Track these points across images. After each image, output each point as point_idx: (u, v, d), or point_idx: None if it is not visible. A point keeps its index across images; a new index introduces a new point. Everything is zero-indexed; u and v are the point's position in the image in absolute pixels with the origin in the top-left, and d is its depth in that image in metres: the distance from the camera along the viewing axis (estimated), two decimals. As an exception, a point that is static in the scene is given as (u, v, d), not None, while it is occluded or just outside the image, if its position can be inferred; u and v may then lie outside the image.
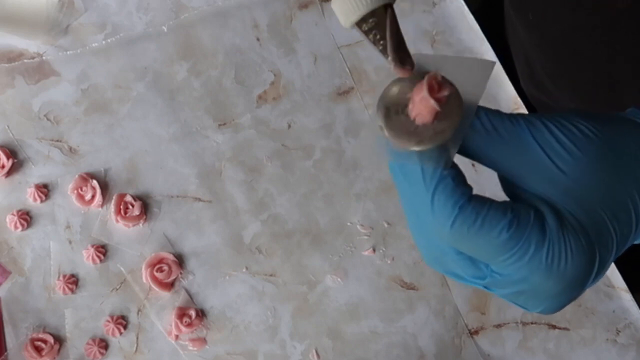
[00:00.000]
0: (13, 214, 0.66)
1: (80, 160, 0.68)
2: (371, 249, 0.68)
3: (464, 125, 0.34)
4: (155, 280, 0.65)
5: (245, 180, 0.69)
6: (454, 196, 0.33)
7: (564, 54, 0.57)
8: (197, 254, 0.67)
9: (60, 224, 0.67)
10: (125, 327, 0.65)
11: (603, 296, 0.68)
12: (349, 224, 0.68)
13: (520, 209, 0.34)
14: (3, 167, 0.66)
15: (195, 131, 0.70)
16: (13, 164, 0.67)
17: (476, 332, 0.67)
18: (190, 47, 0.72)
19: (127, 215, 0.66)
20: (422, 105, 0.33)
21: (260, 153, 0.70)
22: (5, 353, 0.63)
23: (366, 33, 0.34)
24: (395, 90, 0.35)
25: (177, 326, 0.64)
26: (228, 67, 0.71)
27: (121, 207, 0.67)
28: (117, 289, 0.66)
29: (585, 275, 0.34)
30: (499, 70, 0.72)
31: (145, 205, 0.67)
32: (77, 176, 0.67)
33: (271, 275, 0.67)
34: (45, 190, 0.67)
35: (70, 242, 0.66)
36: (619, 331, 0.67)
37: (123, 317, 0.65)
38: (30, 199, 0.66)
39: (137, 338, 0.65)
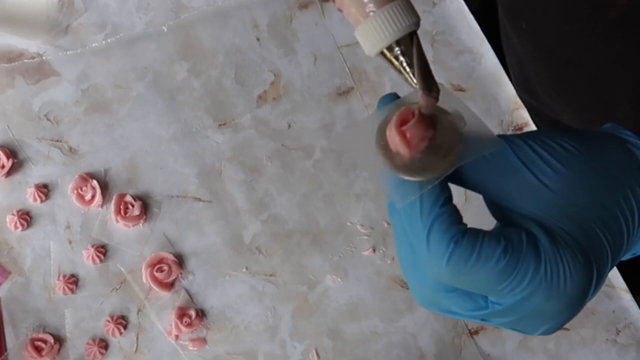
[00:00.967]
0: (13, 214, 0.66)
1: (80, 160, 0.68)
2: (371, 249, 0.68)
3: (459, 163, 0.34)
4: (155, 280, 0.65)
5: (245, 180, 0.69)
6: (449, 233, 0.33)
7: (557, 63, 0.58)
8: (197, 254, 0.67)
9: (60, 224, 0.67)
10: (125, 327, 0.65)
11: (603, 296, 0.68)
12: (349, 224, 0.68)
13: (512, 234, 0.34)
14: (3, 167, 0.66)
15: (195, 131, 0.70)
16: (13, 164, 0.67)
17: (476, 332, 0.67)
18: (190, 47, 0.72)
19: (127, 215, 0.66)
20: (414, 137, 0.33)
21: (260, 153, 0.70)
22: (5, 353, 0.63)
23: (391, 61, 0.34)
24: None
25: (177, 326, 0.64)
26: (228, 67, 0.71)
27: (121, 207, 0.67)
28: (117, 289, 0.66)
29: (585, 291, 0.34)
30: (499, 70, 0.72)
31: (145, 205, 0.67)
32: (77, 176, 0.67)
33: (271, 275, 0.67)
34: (45, 190, 0.67)
35: (70, 242, 0.66)
36: (619, 331, 0.67)
37: (123, 317, 0.65)
38: (30, 199, 0.66)
39: (137, 338, 0.65)
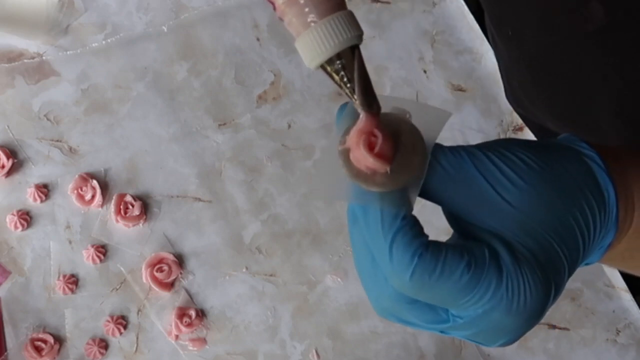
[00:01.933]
0: (13, 214, 0.66)
1: (80, 160, 0.68)
2: (371, 249, 0.68)
3: (421, 171, 0.34)
4: (155, 280, 0.65)
5: (245, 180, 0.69)
6: (412, 245, 0.33)
7: (539, 71, 0.58)
8: (197, 254, 0.67)
9: (60, 224, 0.67)
10: (125, 327, 0.65)
11: (603, 296, 0.68)
12: (349, 224, 0.68)
13: (474, 248, 0.34)
14: (3, 167, 0.66)
15: (195, 131, 0.70)
16: (13, 164, 0.67)
17: (476, 332, 0.67)
18: (190, 47, 0.72)
19: (127, 215, 0.66)
20: (366, 161, 0.33)
21: (260, 153, 0.70)
22: (5, 353, 0.63)
23: (331, 75, 0.33)
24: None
25: (177, 326, 0.64)
26: (228, 67, 0.71)
27: (121, 207, 0.67)
28: (117, 289, 0.66)
29: (543, 306, 0.34)
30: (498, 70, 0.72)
31: (145, 205, 0.67)
32: (77, 176, 0.67)
33: (271, 275, 0.67)
34: (45, 190, 0.67)
35: (70, 242, 0.66)
36: (619, 331, 0.67)
37: (123, 317, 0.65)
38: (30, 199, 0.66)
39: (137, 338, 0.65)
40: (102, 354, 0.64)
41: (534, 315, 0.34)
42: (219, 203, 0.68)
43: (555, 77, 0.56)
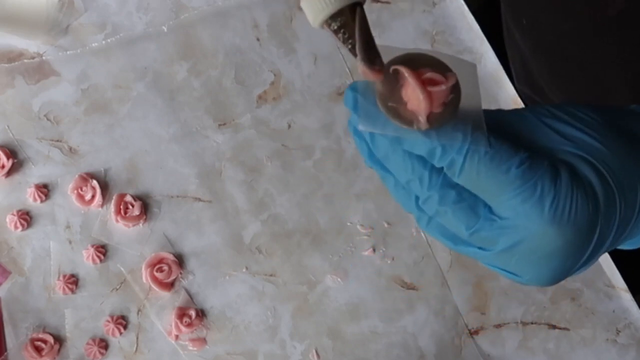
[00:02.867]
0: (13, 214, 0.66)
1: (80, 160, 0.68)
2: (371, 249, 0.68)
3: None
4: (155, 280, 0.65)
5: (245, 180, 0.69)
6: (467, 127, 0.33)
7: (557, 59, 0.58)
8: (197, 254, 0.67)
9: (60, 224, 0.67)
10: (125, 327, 0.65)
11: (603, 296, 0.68)
12: (349, 224, 0.68)
13: (535, 156, 0.34)
14: (3, 167, 0.66)
15: (195, 131, 0.70)
16: (13, 164, 0.67)
17: (476, 332, 0.67)
18: (190, 47, 0.72)
19: (127, 215, 0.66)
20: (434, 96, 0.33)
21: (260, 153, 0.70)
22: (5, 353, 0.63)
23: (335, 32, 0.34)
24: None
25: (177, 326, 0.64)
26: (228, 67, 0.71)
27: (121, 207, 0.67)
28: (117, 289, 0.66)
29: (583, 241, 0.34)
30: (498, 70, 0.72)
31: (145, 205, 0.67)
32: (77, 176, 0.67)
33: (271, 275, 0.67)
34: (45, 190, 0.67)
35: (70, 242, 0.66)
36: (619, 331, 0.67)
37: (123, 317, 0.65)
38: (30, 199, 0.66)
39: (137, 338, 0.65)
40: (102, 354, 0.64)
41: (572, 246, 0.34)
42: (219, 203, 0.68)
43: (573, 64, 0.56)
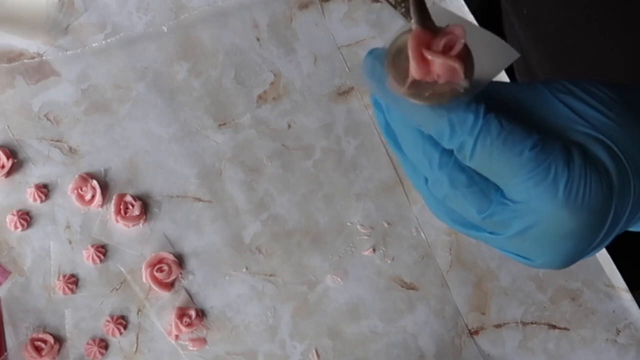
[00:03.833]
0: (13, 214, 0.66)
1: (80, 160, 0.68)
2: (371, 249, 0.68)
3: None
4: (155, 280, 0.65)
5: (245, 180, 0.69)
6: (479, 107, 0.33)
7: (558, 49, 0.58)
8: (197, 254, 0.67)
9: (60, 224, 0.67)
10: (125, 327, 0.65)
11: (603, 296, 0.68)
12: (349, 224, 0.68)
13: (547, 138, 0.33)
14: (3, 167, 0.66)
15: (195, 131, 0.70)
16: (13, 164, 0.67)
17: (476, 332, 0.67)
18: (190, 47, 0.72)
19: (127, 215, 0.66)
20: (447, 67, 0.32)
21: (260, 153, 0.70)
22: (5, 353, 0.63)
23: None
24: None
25: (177, 326, 0.64)
26: (228, 67, 0.71)
27: (121, 207, 0.67)
28: (117, 289, 0.66)
29: (597, 223, 0.33)
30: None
31: (145, 205, 0.67)
32: (77, 176, 0.67)
33: (271, 275, 0.67)
34: (45, 190, 0.67)
35: (70, 242, 0.66)
36: (619, 331, 0.67)
37: (123, 317, 0.65)
38: (30, 199, 0.66)
39: (137, 338, 0.65)
40: (102, 354, 0.64)
41: (586, 227, 0.33)
42: (219, 203, 0.68)
43: (573, 53, 0.56)
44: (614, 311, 0.68)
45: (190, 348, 0.65)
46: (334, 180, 0.69)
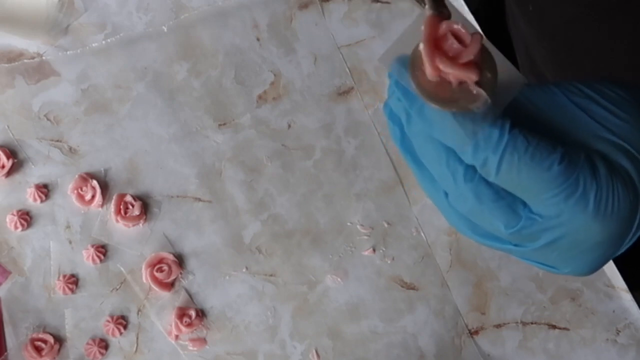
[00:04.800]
0: (13, 214, 0.66)
1: (80, 160, 0.68)
2: (371, 249, 0.68)
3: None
4: (155, 280, 0.65)
5: (245, 180, 0.69)
6: (505, 124, 0.32)
7: (564, 45, 0.57)
8: (197, 254, 0.67)
9: (60, 224, 0.67)
10: (125, 327, 0.65)
11: (603, 296, 0.68)
12: (349, 224, 0.69)
13: (571, 151, 0.33)
14: (3, 167, 0.66)
15: (195, 131, 0.70)
16: (13, 164, 0.67)
17: (476, 332, 0.67)
18: (190, 47, 0.72)
19: (127, 215, 0.66)
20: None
21: (260, 153, 0.70)
22: (5, 353, 0.63)
23: None
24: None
25: (177, 326, 0.64)
26: (228, 67, 0.71)
27: (121, 207, 0.67)
28: (117, 289, 0.66)
29: (625, 230, 0.33)
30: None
31: (145, 205, 0.67)
32: (77, 176, 0.67)
33: (271, 275, 0.67)
34: (45, 190, 0.67)
35: (70, 242, 0.66)
36: (619, 331, 0.67)
37: (123, 317, 0.65)
38: (30, 199, 0.66)
39: (137, 338, 0.65)
40: (102, 354, 0.64)
41: (615, 235, 0.33)
42: (219, 203, 0.68)
43: (578, 51, 0.55)
44: (614, 311, 0.68)
45: (190, 348, 0.65)
46: (334, 180, 0.69)
